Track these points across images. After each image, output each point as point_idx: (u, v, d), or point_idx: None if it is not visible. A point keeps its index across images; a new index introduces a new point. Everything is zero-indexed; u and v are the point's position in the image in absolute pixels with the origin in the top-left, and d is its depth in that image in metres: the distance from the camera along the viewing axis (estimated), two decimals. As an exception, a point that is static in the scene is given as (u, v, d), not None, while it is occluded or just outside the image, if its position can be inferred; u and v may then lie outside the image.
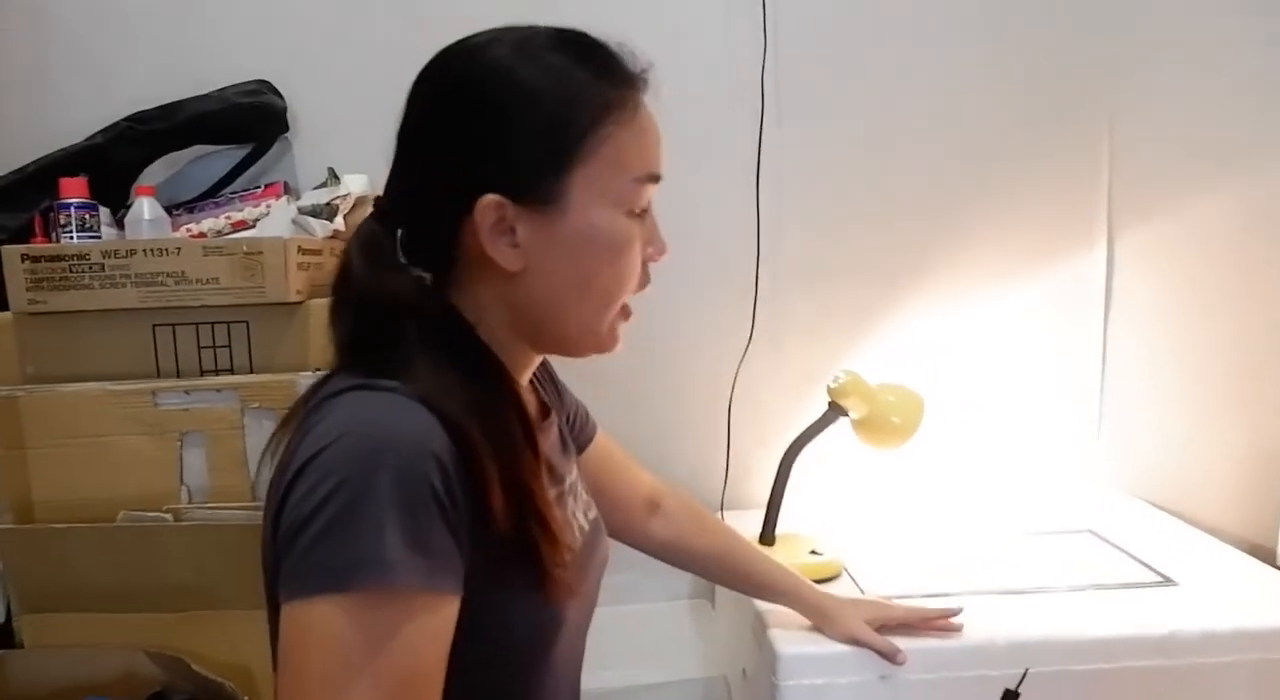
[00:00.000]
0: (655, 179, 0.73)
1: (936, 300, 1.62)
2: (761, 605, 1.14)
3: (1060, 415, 1.66)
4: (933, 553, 1.38)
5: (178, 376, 1.23)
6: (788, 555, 1.23)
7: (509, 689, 0.72)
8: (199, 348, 1.23)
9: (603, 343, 0.75)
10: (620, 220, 0.71)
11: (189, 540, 1.18)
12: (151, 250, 1.20)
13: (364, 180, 1.45)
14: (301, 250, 1.23)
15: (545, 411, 0.84)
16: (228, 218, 1.45)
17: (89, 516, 1.20)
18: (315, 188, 1.48)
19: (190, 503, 1.21)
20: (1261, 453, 1.43)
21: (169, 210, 1.42)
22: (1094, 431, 1.66)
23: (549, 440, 0.81)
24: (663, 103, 0.74)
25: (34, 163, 1.41)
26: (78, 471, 1.21)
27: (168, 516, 1.19)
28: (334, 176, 1.47)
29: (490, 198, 0.68)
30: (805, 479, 1.35)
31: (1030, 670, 1.00)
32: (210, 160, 1.55)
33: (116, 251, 1.20)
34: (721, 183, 1.57)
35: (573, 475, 0.85)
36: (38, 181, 1.38)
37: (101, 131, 1.45)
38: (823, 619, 1.08)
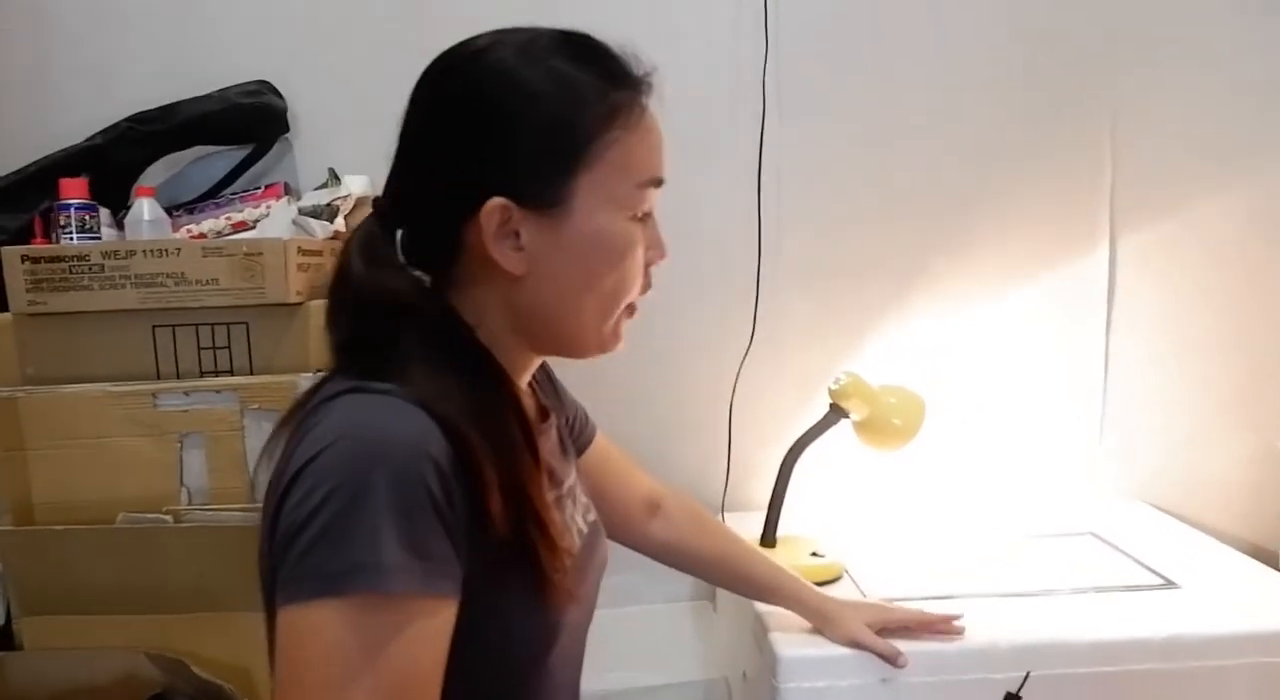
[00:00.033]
0: (659, 183, 0.73)
1: (938, 301, 1.62)
2: (762, 607, 1.14)
3: (1062, 416, 1.65)
4: (934, 555, 1.38)
5: (177, 378, 1.22)
6: (789, 557, 1.23)
7: (508, 692, 0.71)
8: (199, 349, 1.23)
9: (605, 344, 0.75)
10: (624, 224, 0.71)
11: (189, 542, 1.18)
12: (151, 251, 1.19)
13: (365, 181, 1.44)
14: (302, 251, 1.23)
15: (544, 414, 0.84)
16: (228, 218, 1.45)
17: (89, 518, 1.20)
18: (316, 188, 1.48)
19: (190, 504, 1.21)
20: (1264, 455, 1.43)
21: (169, 211, 1.42)
22: (1096, 433, 1.66)
23: (548, 443, 0.80)
24: (665, 104, 0.74)
25: (34, 163, 1.41)
26: (77, 473, 1.21)
27: (167, 518, 1.19)
28: (334, 177, 1.47)
29: (496, 201, 0.67)
30: (806, 481, 1.35)
31: (1032, 673, 1.00)
32: (210, 161, 1.55)
33: (116, 252, 1.20)
34: (722, 183, 1.57)
35: (572, 478, 0.85)
36: (38, 182, 1.38)
37: (102, 132, 1.45)
38: (823, 621, 1.07)
